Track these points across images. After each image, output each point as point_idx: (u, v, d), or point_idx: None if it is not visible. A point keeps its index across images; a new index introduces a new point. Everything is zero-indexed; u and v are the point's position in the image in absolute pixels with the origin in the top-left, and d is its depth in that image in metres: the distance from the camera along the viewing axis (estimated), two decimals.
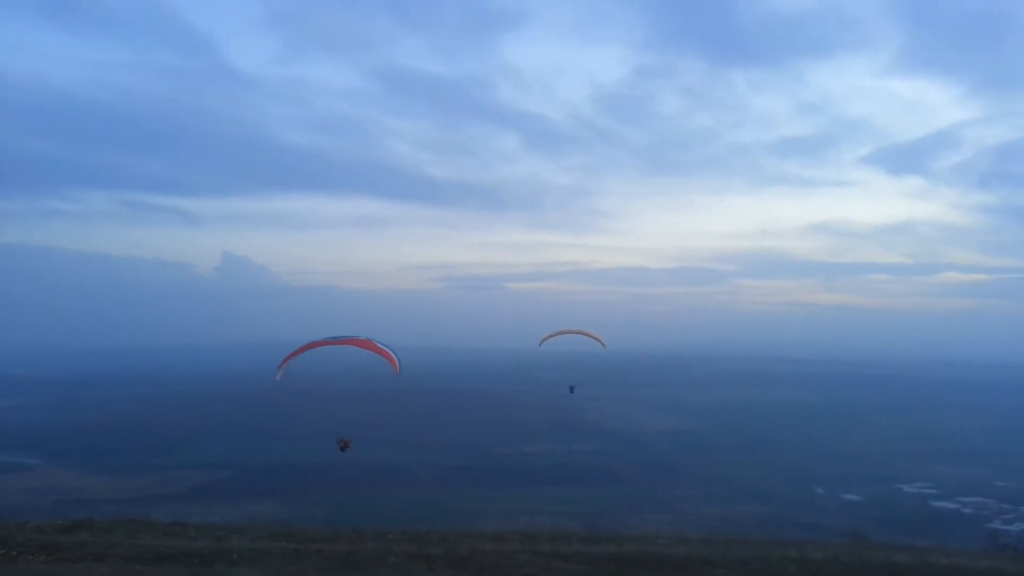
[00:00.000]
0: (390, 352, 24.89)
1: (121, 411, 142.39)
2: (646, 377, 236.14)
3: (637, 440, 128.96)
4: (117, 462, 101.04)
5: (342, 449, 27.55)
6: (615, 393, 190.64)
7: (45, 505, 72.85)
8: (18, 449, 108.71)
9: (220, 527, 30.22)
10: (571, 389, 59.99)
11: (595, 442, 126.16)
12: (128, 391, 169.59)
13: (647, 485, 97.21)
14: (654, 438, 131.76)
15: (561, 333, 40.23)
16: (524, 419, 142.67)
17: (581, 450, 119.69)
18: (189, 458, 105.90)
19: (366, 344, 24.68)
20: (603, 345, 41.91)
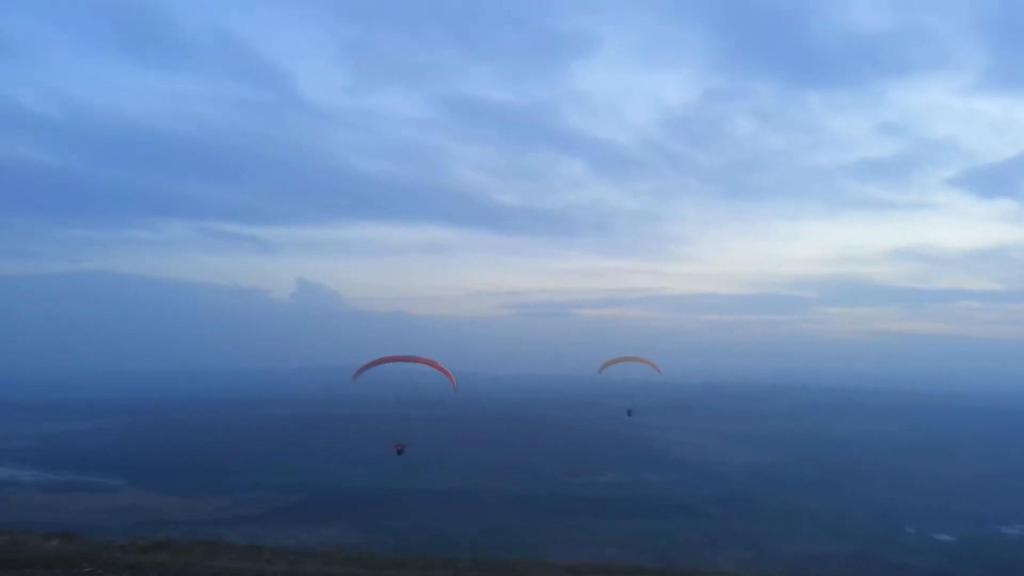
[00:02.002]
0: (450, 372, 28.19)
1: (199, 433, 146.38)
2: (721, 406, 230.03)
3: (713, 472, 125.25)
4: (195, 483, 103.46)
5: (399, 452, 29.30)
6: (688, 422, 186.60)
7: (126, 525, 74.86)
8: (100, 469, 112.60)
9: (294, 551, 30.34)
10: (629, 412, 59.10)
11: (668, 473, 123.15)
12: (206, 414, 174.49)
13: (723, 519, 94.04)
14: (731, 470, 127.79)
15: (619, 360, 39.63)
16: (594, 447, 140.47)
17: (653, 481, 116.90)
18: (264, 480, 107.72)
19: (430, 362, 27.81)
20: (658, 371, 41.21)
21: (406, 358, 28.73)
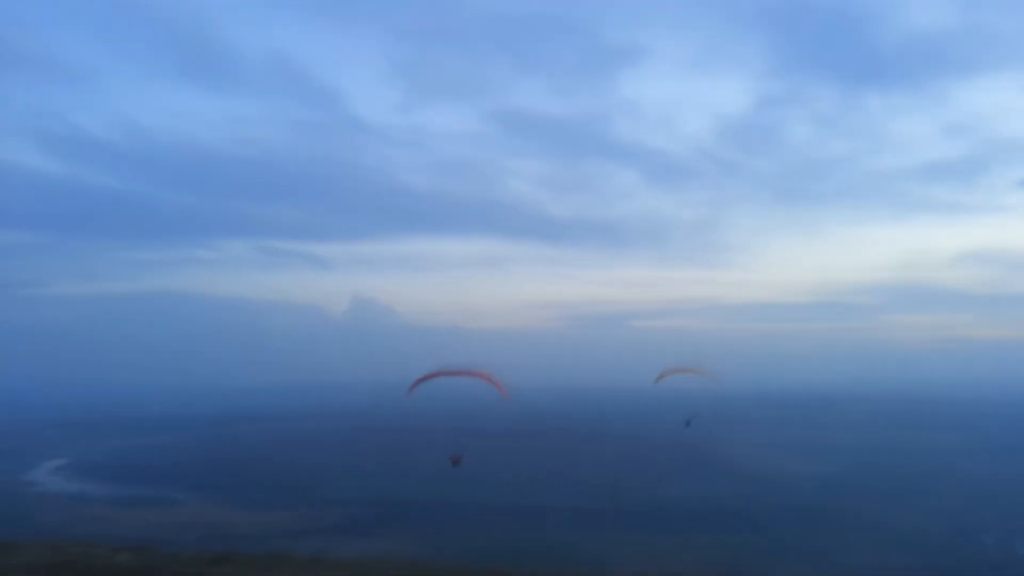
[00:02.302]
0: (500, 383, 29.88)
1: (261, 447, 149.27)
2: (783, 416, 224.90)
3: (777, 483, 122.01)
4: (258, 497, 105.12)
5: (454, 464, 30.28)
6: (750, 433, 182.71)
7: (192, 538, 76.41)
8: (166, 484, 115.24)
9: (356, 563, 30.29)
10: (687, 423, 57.73)
11: (731, 484, 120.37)
12: (268, 428, 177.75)
13: (790, 532, 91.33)
14: (796, 482, 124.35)
15: (674, 372, 39.04)
16: (653, 459, 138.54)
17: (715, 494, 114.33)
18: (325, 494, 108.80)
19: (481, 374, 29.29)
20: (714, 382, 40.48)
21: (458, 372, 29.70)
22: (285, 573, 29.31)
